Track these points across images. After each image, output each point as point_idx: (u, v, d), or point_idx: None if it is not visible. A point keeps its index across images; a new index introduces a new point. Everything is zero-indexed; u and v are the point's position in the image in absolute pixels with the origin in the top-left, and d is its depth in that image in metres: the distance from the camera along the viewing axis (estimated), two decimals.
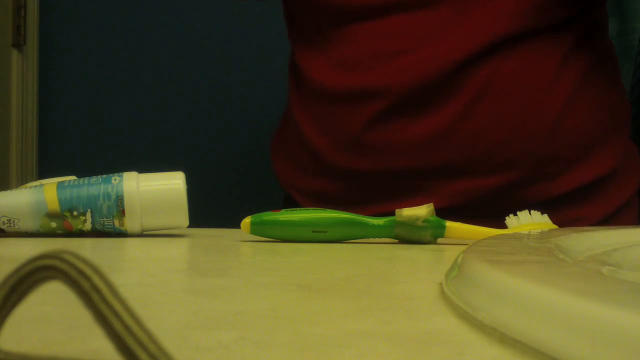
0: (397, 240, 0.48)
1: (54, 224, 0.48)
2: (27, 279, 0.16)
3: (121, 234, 0.50)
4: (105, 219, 0.48)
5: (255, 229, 0.47)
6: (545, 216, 0.48)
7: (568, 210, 0.65)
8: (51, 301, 0.24)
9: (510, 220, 0.48)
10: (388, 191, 0.67)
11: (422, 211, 0.46)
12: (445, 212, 0.60)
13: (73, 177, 0.51)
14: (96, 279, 0.15)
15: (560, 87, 0.64)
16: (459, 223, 0.47)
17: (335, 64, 0.68)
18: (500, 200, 0.59)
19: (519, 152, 0.64)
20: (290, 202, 0.76)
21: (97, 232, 0.49)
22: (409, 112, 0.65)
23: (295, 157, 0.75)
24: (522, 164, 0.64)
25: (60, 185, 0.49)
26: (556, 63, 0.64)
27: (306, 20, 0.72)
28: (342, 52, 0.68)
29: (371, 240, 0.48)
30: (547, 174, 0.65)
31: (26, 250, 0.43)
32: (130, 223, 0.49)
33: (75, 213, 0.48)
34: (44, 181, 0.51)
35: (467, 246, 0.30)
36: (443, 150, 0.64)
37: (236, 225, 0.49)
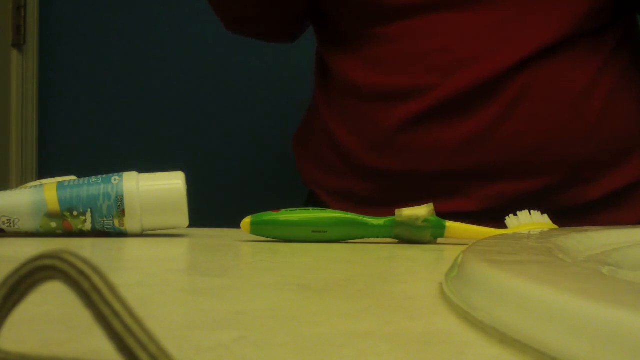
0: (397, 240, 0.48)
1: (54, 224, 0.48)
2: (27, 279, 0.16)
3: (121, 234, 0.49)
4: (105, 219, 0.48)
5: (255, 229, 0.47)
6: (545, 216, 0.48)
7: (603, 214, 0.65)
8: (51, 301, 0.24)
9: (510, 220, 0.48)
10: (420, 193, 0.65)
11: (422, 211, 0.46)
12: (480, 215, 0.58)
13: (73, 177, 0.51)
14: (96, 279, 0.15)
15: (600, 90, 0.64)
16: (459, 223, 0.47)
17: (370, 63, 0.67)
18: (536, 205, 0.59)
19: (556, 156, 0.63)
20: (314, 201, 0.74)
21: (97, 232, 0.49)
22: (446, 114, 0.64)
23: (322, 157, 0.73)
24: (559, 168, 0.64)
25: (60, 185, 0.49)
26: (596, 66, 0.64)
27: (340, 20, 0.71)
28: (378, 51, 0.67)
29: (371, 240, 0.48)
30: (583, 178, 0.64)
31: (26, 250, 0.43)
32: (130, 223, 0.48)
33: (75, 213, 0.48)
34: (44, 181, 0.51)
35: (467, 246, 0.30)
36: (480, 153, 0.63)
37: (236, 225, 0.49)
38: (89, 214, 0.48)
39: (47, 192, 0.48)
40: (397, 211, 0.47)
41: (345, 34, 0.70)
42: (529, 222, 0.47)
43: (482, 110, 0.63)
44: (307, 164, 0.76)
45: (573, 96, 0.63)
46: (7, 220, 0.48)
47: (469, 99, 0.63)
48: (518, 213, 0.47)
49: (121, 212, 0.48)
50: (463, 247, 0.30)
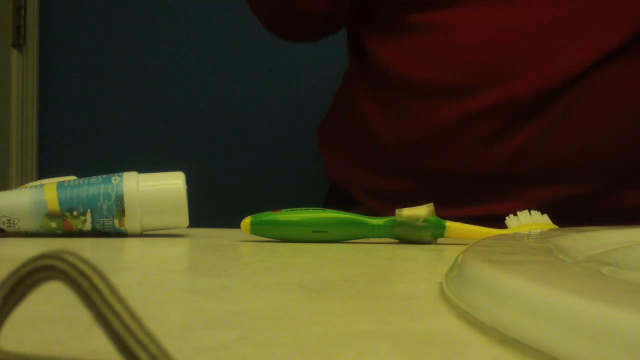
0: (397, 240, 0.48)
1: (54, 224, 0.48)
2: (27, 279, 0.16)
3: (121, 234, 0.49)
4: (105, 219, 0.48)
5: (255, 229, 0.47)
6: (545, 216, 0.47)
7: None
8: (51, 301, 0.24)
9: (510, 220, 0.48)
10: (465, 195, 0.63)
11: (422, 211, 0.46)
12: None
13: (73, 177, 0.51)
14: (96, 279, 0.15)
15: None
16: (459, 223, 0.47)
17: (424, 55, 0.63)
18: (588, 208, 0.56)
19: (611, 159, 0.61)
20: (338, 199, 0.71)
21: (97, 232, 0.49)
22: (499, 117, 0.61)
23: (358, 153, 0.70)
24: (613, 171, 0.62)
25: (60, 185, 0.49)
26: None
27: (390, 4, 0.65)
28: (433, 42, 0.62)
29: (371, 240, 0.48)
30: (635, 183, 0.63)
31: (26, 250, 0.43)
32: (130, 223, 0.48)
33: (75, 213, 0.48)
34: (44, 181, 0.51)
35: (467, 246, 0.30)
36: (533, 156, 0.61)
37: (236, 225, 0.49)
38: (89, 214, 0.48)
39: (47, 192, 0.48)
40: (397, 211, 0.47)
41: (395, 20, 0.65)
42: (529, 222, 0.47)
43: (540, 115, 0.60)
44: (337, 161, 0.72)
45: (631, 100, 0.61)
46: (7, 220, 0.48)
47: (527, 105, 0.60)
48: (518, 213, 0.47)
49: (121, 212, 0.48)
50: (463, 247, 0.30)
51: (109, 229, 0.49)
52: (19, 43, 1.35)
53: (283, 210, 0.47)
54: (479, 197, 0.63)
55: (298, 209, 0.47)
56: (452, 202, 0.63)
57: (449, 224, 0.46)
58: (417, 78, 0.63)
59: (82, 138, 1.35)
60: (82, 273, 0.15)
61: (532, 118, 0.61)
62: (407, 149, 0.65)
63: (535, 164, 0.62)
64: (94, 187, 0.48)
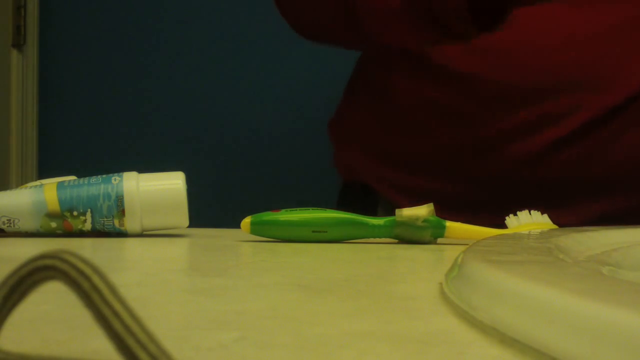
0: (397, 240, 0.48)
1: (54, 224, 0.48)
2: (27, 279, 0.16)
3: (121, 234, 0.49)
4: (105, 219, 0.48)
5: (255, 229, 0.47)
6: (545, 216, 0.47)
7: None
8: (51, 301, 0.24)
9: (510, 220, 0.48)
10: (506, 203, 0.59)
11: (422, 211, 0.46)
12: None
13: (73, 177, 0.51)
14: (96, 279, 0.15)
15: None
16: (459, 223, 0.47)
17: (488, 53, 0.60)
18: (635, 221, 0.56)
19: None
20: (355, 194, 0.70)
21: (97, 232, 0.49)
22: (569, 126, 0.58)
23: (389, 151, 0.67)
24: None
25: (60, 185, 0.49)
26: None
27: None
28: (500, 39, 0.59)
29: (371, 240, 0.48)
30: None
31: (26, 250, 0.43)
32: (130, 223, 0.48)
33: (75, 213, 0.48)
34: (44, 181, 0.51)
35: (467, 246, 0.30)
36: (589, 168, 0.59)
37: (236, 225, 0.49)
38: (89, 214, 0.48)
39: (47, 192, 0.48)
40: (397, 211, 0.47)
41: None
42: (529, 222, 0.47)
43: (604, 127, 0.58)
44: (357, 156, 0.70)
45: None
46: (7, 220, 0.48)
47: (596, 117, 0.58)
48: (518, 213, 0.47)
49: (121, 212, 0.48)
50: (463, 247, 0.30)
51: (109, 229, 0.49)
52: (19, 43, 1.35)
53: (283, 210, 0.47)
54: (521, 207, 0.62)
55: (298, 209, 0.47)
56: (492, 209, 0.61)
57: (449, 224, 0.46)
58: (475, 77, 0.60)
59: (82, 138, 1.35)
60: (82, 273, 0.15)
61: (596, 129, 0.59)
62: (460, 151, 0.63)
63: (588, 176, 0.60)
64: (94, 187, 0.48)
